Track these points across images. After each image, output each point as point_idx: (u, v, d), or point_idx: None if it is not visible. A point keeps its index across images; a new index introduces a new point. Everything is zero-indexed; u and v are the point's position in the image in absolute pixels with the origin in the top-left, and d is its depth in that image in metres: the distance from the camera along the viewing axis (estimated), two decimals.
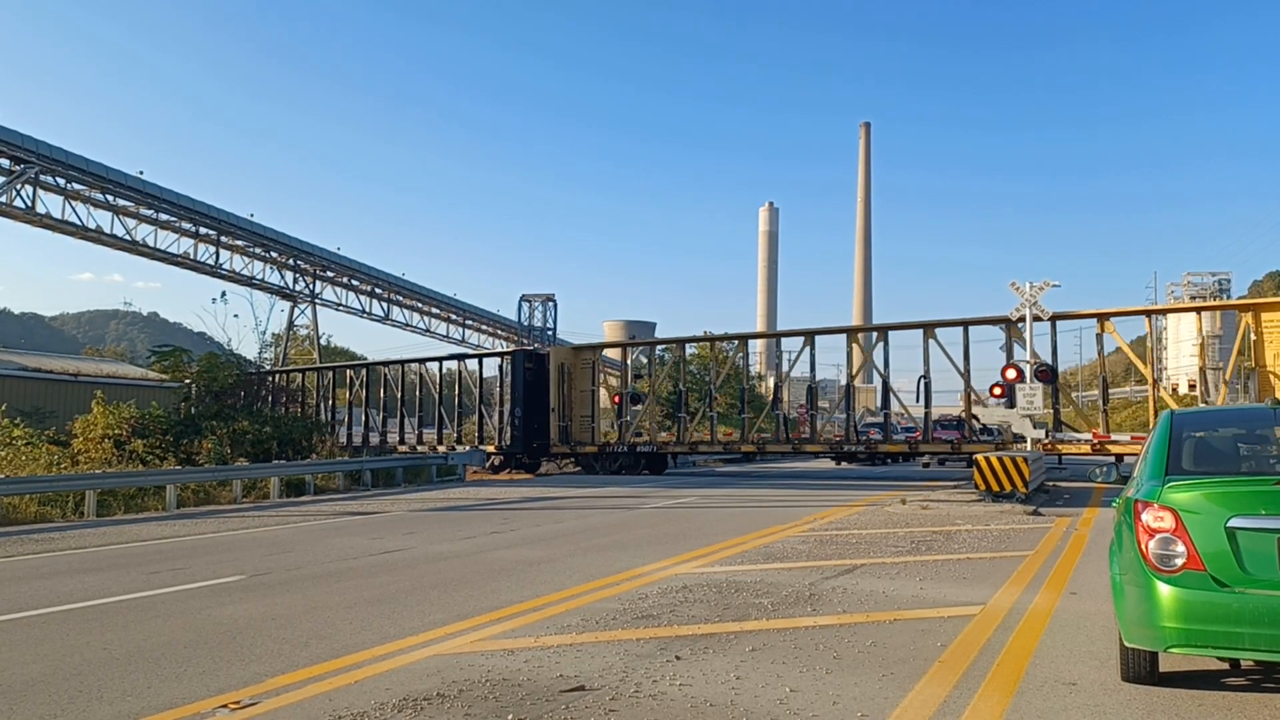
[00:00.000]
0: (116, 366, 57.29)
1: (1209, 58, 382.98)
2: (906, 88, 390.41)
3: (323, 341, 67.11)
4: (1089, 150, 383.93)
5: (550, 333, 63.50)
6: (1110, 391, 31.22)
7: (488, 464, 36.49)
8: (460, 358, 42.24)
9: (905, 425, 36.71)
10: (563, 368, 36.69)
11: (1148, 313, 31.37)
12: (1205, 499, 5.24)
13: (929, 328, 29.44)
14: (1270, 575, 4.98)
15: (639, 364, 42.14)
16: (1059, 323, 27.88)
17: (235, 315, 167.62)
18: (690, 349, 46.02)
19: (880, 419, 37.62)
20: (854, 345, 31.88)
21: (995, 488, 19.37)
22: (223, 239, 53.12)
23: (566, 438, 36.30)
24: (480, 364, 39.73)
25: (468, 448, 36.33)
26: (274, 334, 63.17)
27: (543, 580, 10.18)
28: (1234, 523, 5.10)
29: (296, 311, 61.88)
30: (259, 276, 57.19)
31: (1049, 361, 27.31)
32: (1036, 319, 24.35)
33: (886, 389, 30.56)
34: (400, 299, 69.68)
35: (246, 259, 56.33)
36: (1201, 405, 26.84)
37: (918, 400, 30.38)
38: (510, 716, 5.32)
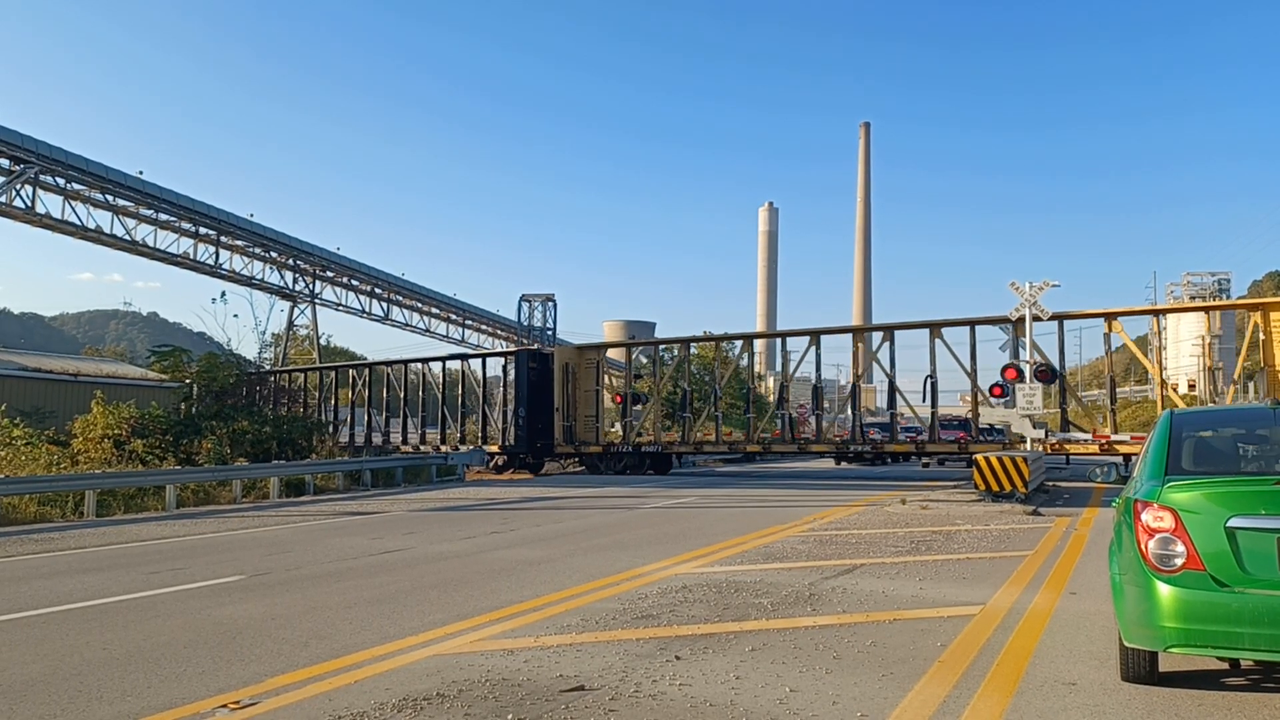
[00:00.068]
0: (116, 366, 57.26)
1: (1209, 58, 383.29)
2: (906, 88, 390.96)
3: (322, 341, 67.14)
4: (1089, 150, 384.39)
5: (550, 333, 63.48)
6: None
7: (491, 464, 36.42)
8: (463, 357, 42.19)
9: (906, 426, 36.65)
10: (567, 367, 36.64)
11: (1155, 312, 31.39)
12: (1205, 499, 5.24)
13: (935, 327, 29.31)
14: (1270, 575, 4.98)
15: (639, 364, 42.13)
16: (1045, 323, 27.83)
17: (235, 315, 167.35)
18: (691, 349, 46.03)
19: (882, 419, 37.58)
20: (859, 345, 31.77)
21: (995, 488, 19.38)
22: (222, 239, 53.13)
23: (571, 437, 36.25)
24: (484, 364, 39.71)
25: (471, 448, 36.29)
26: (274, 334, 63.23)
27: (543, 580, 10.18)
28: (1234, 522, 5.10)
29: (296, 311, 61.94)
30: (259, 276, 57.23)
31: (1055, 361, 27.32)
32: (1036, 319, 24.35)
33: (893, 389, 30.37)
34: (400, 299, 69.71)
35: (246, 259, 56.36)
36: (1210, 405, 26.80)
37: (924, 400, 30.25)
38: (510, 716, 5.32)
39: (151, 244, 49.90)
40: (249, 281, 56.51)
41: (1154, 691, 5.66)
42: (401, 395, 40.40)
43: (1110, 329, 27.52)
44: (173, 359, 37.84)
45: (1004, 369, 24.92)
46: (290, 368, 51.84)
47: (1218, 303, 35.63)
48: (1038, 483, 21.61)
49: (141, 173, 46.86)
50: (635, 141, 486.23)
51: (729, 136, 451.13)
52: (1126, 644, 5.56)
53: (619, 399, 37.45)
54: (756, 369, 43.34)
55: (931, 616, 8.00)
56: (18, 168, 40.84)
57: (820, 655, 6.68)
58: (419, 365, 41.54)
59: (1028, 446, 23.39)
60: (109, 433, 26.80)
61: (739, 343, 42.68)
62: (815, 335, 32.34)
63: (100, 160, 44.93)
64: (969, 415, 32.02)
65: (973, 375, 28.72)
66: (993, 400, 27.59)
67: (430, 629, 7.71)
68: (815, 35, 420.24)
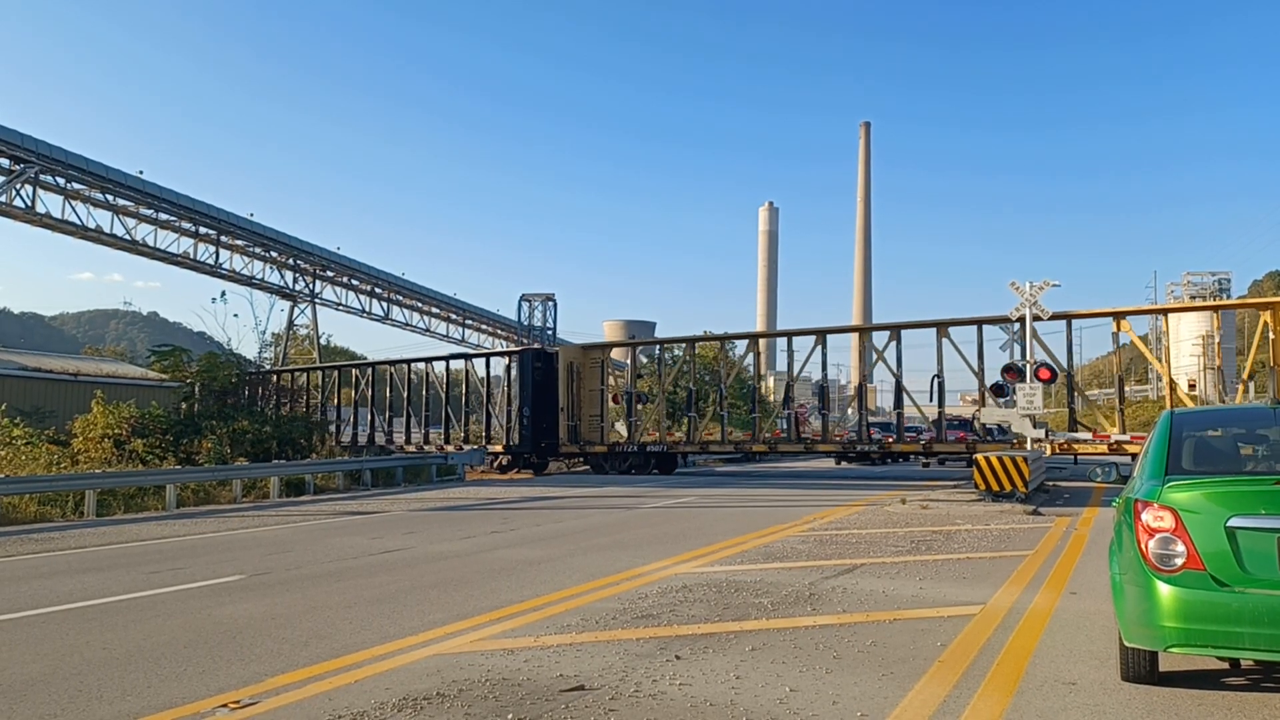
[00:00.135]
0: (116, 366, 57.28)
1: (1209, 58, 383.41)
2: (906, 88, 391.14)
3: (322, 341, 67.13)
4: (1089, 150, 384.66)
5: (550, 332, 63.47)
6: (1109, 391, 31.19)
7: (495, 464, 36.35)
8: (467, 356, 42.17)
9: (908, 426, 36.61)
10: (572, 367, 36.57)
11: (1165, 311, 31.37)
12: (1205, 498, 5.23)
13: (942, 326, 29.19)
14: (1270, 575, 4.98)
15: (639, 364, 42.08)
16: (1052, 322, 27.80)
17: (235, 315, 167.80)
18: (694, 349, 45.95)
19: (882, 419, 37.53)
20: (865, 344, 31.58)
21: (995, 487, 19.37)
22: (222, 238, 53.13)
23: (576, 437, 36.18)
24: (488, 363, 39.65)
25: (474, 447, 36.27)
26: (274, 333, 63.22)
27: (542, 580, 10.18)
28: (1234, 522, 5.10)
29: (296, 311, 61.93)
30: (259, 276, 57.24)
31: (1063, 361, 27.33)
32: (1037, 318, 24.33)
33: (899, 388, 30.18)
34: (400, 299, 69.72)
35: (246, 259, 56.36)
36: (1219, 404, 26.72)
37: (931, 399, 30.15)
38: (510, 716, 5.31)
39: (151, 244, 49.90)
40: (249, 281, 56.51)
41: (1154, 691, 5.66)
42: (405, 395, 40.34)
43: (1119, 328, 27.51)
44: (173, 359, 37.85)
45: (1004, 369, 24.91)
46: (291, 367, 51.82)
47: (1227, 302, 35.28)
48: (1038, 482, 21.61)
49: (141, 172, 46.90)
50: (635, 141, 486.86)
51: (729, 136, 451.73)
52: (1126, 644, 5.56)
53: (616, 399, 37.38)
54: (758, 369, 43.27)
55: (931, 616, 8.00)
56: (18, 167, 40.84)
57: (820, 655, 6.68)
58: (421, 365, 41.44)
59: (1028, 446, 23.38)
60: (109, 432, 26.82)
61: (741, 342, 42.68)
62: (821, 335, 32.12)
63: (100, 160, 45.00)
64: (973, 415, 31.98)
65: (980, 375, 28.63)
66: (998, 400, 27.54)
67: (430, 629, 7.71)
68: (815, 35, 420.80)
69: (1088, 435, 26.83)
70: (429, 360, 41.95)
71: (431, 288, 71.93)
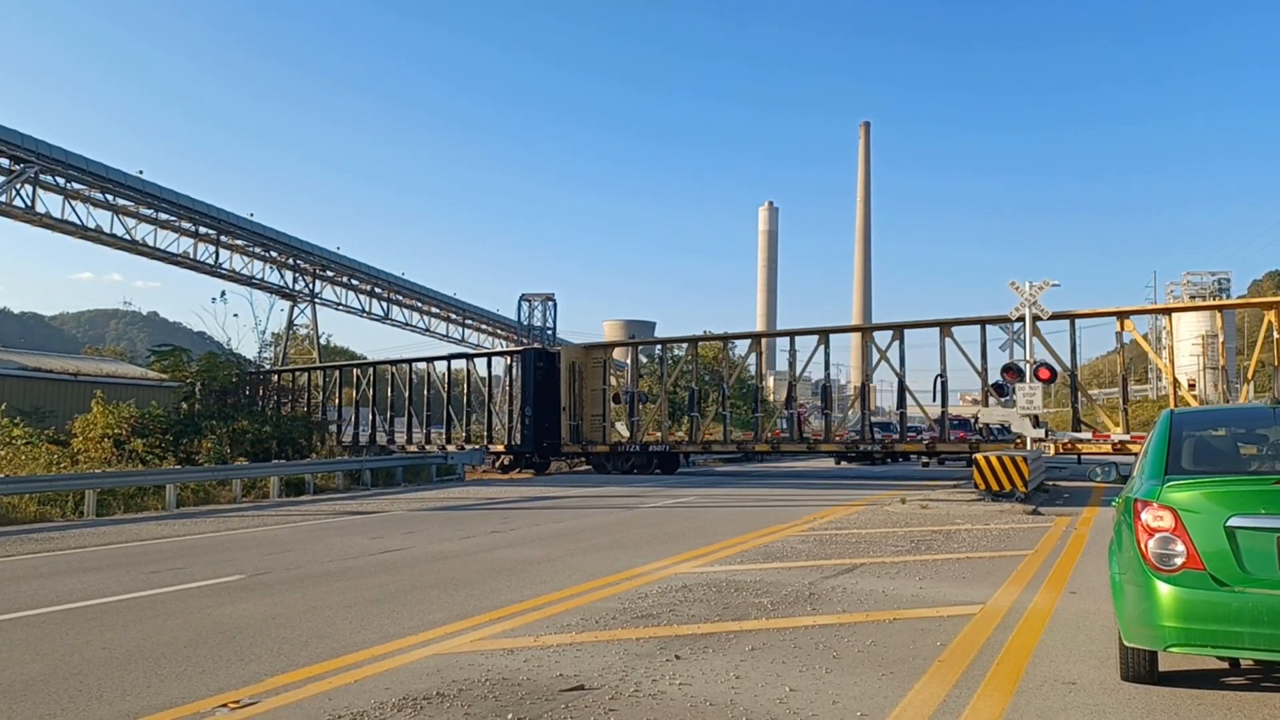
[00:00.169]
0: (116, 366, 57.29)
1: (1209, 58, 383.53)
2: (906, 88, 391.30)
3: (322, 341, 67.14)
4: (1089, 150, 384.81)
5: (550, 332, 63.46)
6: (1108, 391, 31.16)
7: (497, 464, 36.30)
8: (469, 356, 42.11)
9: (909, 425, 36.52)
10: (574, 366, 36.53)
11: (1168, 311, 31.27)
12: (1205, 498, 5.23)
13: (945, 326, 29.09)
14: (1270, 574, 4.98)
15: (639, 364, 42.05)
16: (1055, 322, 27.79)
17: (235, 315, 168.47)
18: (683, 349, 45.92)
19: (882, 419, 37.49)
20: (868, 344, 31.42)
21: (995, 487, 19.36)
22: (222, 238, 53.12)
23: (578, 437, 36.12)
24: (489, 363, 39.60)
25: (475, 447, 36.25)
26: (274, 333, 63.28)
27: (542, 580, 10.18)
28: (1233, 522, 5.10)
29: (296, 311, 61.93)
30: (259, 276, 57.24)
31: (1067, 361, 27.35)
32: (1037, 318, 24.32)
33: (902, 388, 30.03)
34: (400, 298, 69.71)
35: (246, 258, 56.35)
36: (1224, 404, 26.62)
37: (934, 399, 30.11)
38: (510, 716, 5.32)
39: (151, 243, 49.89)
40: (249, 281, 56.52)
41: (1154, 691, 5.66)
42: (406, 395, 40.29)
43: (1123, 327, 27.49)
44: (173, 358, 37.88)
45: (1004, 369, 24.90)
46: (291, 367, 51.82)
47: (1231, 301, 35.10)
48: (1037, 482, 21.61)
49: (141, 172, 46.87)
50: (635, 141, 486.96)
51: (729, 136, 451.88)
52: (1126, 643, 5.56)
53: (618, 399, 37.35)
54: (758, 368, 43.23)
55: (931, 616, 8.00)
56: (18, 167, 40.83)
57: (820, 655, 6.68)
58: (423, 364, 41.38)
59: (1028, 446, 23.37)
60: (109, 432, 26.82)
61: (740, 342, 42.61)
62: (824, 334, 31.98)
63: (100, 160, 44.98)
64: (974, 415, 31.90)
65: (983, 374, 28.57)
66: (1000, 400, 27.53)
67: (430, 628, 7.71)
68: (815, 35, 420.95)
69: (1088, 435, 26.81)
70: (430, 360, 41.91)
71: (431, 288, 71.98)
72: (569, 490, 25.44)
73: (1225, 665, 6.01)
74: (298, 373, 47.85)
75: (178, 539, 15.02)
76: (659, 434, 36.28)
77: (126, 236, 48.27)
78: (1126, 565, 5.54)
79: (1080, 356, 28.86)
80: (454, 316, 75.68)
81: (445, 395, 39.00)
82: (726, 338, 40.45)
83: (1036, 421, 23.63)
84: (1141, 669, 5.71)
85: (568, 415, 35.84)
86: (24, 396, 35.29)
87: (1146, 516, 5.34)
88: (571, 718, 5.28)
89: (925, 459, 37.15)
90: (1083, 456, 28.36)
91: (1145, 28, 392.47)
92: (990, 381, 27.80)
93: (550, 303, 64.17)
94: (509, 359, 38.71)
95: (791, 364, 33.26)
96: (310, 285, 61.27)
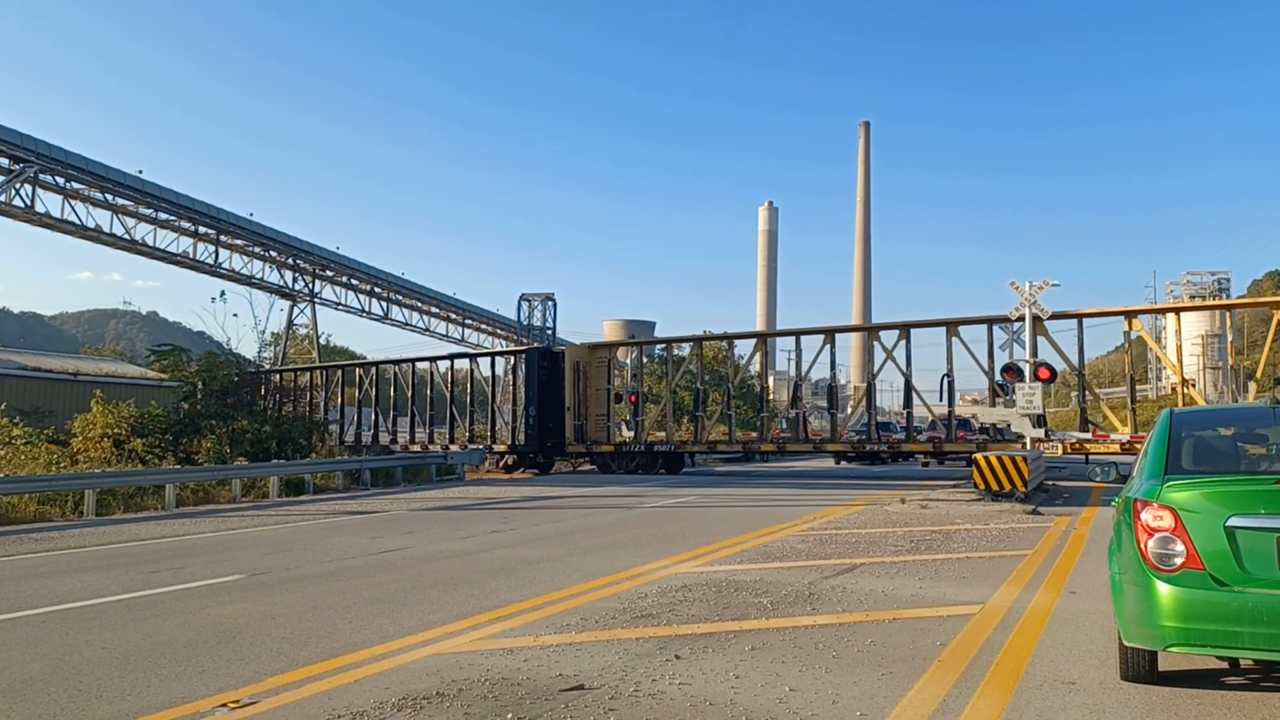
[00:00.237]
0: (116, 366, 57.30)
1: (1209, 58, 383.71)
2: (906, 88, 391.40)
3: (322, 341, 67.14)
4: (1089, 150, 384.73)
5: (550, 332, 63.52)
6: (1108, 391, 31.12)
7: (501, 464, 36.24)
8: (472, 356, 42.02)
9: (905, 425, 36.43)
10: (578, 366, 36.45)
11: (1177, 310, 31.29)
12: (1204, 498, 5.23)
13: (952, 325, 28.97)
14: (1269, 574, 4.98)
15: (636, 363, 42.03)
16: (1055, 322, 27.77)
17: (234, 314, 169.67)
18: (686, 348, 45.88)
19: (881, 418, 37.45)
20: (873, 343, 31.20)
21: (994, 487, 19.36)
22: (222, 238, 53.12)
23: (582, 436, 36.04)
24: (493, 363, 39.54)
25: (477, 447, 36.21)
26: (273, 333, 63.32)
27: (542, 579, 10.18)
28: (1233, 522, 5.10)
29: (296, 311, 61.94)
30: (258, 276, 57.26)
31: (1074, 360, 27.36)
32: (1037, 318, 24.32)
33: (909, 388, 29.91)
34: (400, 298, 69.73)
35: (246, 258, 56.36)
36: (1230, 403, 26.59)
37: (941, 399, 30.04)
38: (510, 716, 5.31)
39: (151, 243, 49.90)
40: (249, 281, 56.54)
41: (1153, 691, 5.66)
42: (410, 395, 40.24)
43: (1130, 327, 27.49)
44: (172, 358, 37.90)
45: (1004, 368, 24.89)
46: (293, 366, 51.82)
47: (1237, 300, 34.88)
48: (1037, 482, 21.61)
49: (141, 172, 46.85)
50: (635, 141, 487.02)
51: (729, 136, 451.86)
52: (1126, 643, 5.56)
53: (634, 399, 37.25)
54: (756, 368, 43.22)
55: (931, 616, 8.00)
56: (17, 167, 40.82)
57: (820, 654, 6.68)
58: (425, 364, 41.30)
59: (1028, 445, 23.37)
60: (108, 432, 26.81)
61: (740, 342, 42.57)
62: (829, 334, 31.79)
63: (100, 159, 44.94)
64: (973, 415, 31.87)
65: (990, 374, 28.50)
66: (1005, 400, 27.51)
67: (430, 628, 7.71)
68: (815, 35, 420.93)
69: (1087, 435, 26.80)
70: (433, 359, 41.87)
71: (431, 287, 72.01)
72: (569, 490, 25.44)
73: (1225, 665, 6.01)
74: (299, 373, 47.79)
75: (177, 539, 15.02)
76: (664, 434, 36.20)
77: (126, 236, 48.27)
78: (1126, 565, 5.54)
79: (1073, 357, 28.75)
80: (454, 316, 75.71)
81: (449, 395, 38.96)
82: (731, 337, 40.40)
83: (1039, 421, 23.61)
84: (1141, 669, 5.71)
85: (572, 415, 35.76)
86: (24, 396, 35.29)
87: (1146, 516, 5.34)
88: (571, 717, 5.28)
89: (924, 459, 37.13)
90: (1090, 456, 28.30)
91: (1145, 28, 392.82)
92: (996, 380, 27.78)
93: (550, 303, 64.22)
94: (513, 358, 38.66)
95: (797, 364, 33.12)
96: (310, 285, 61.28)
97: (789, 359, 33.25)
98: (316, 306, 62.38)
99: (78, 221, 45.49)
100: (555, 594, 9.26)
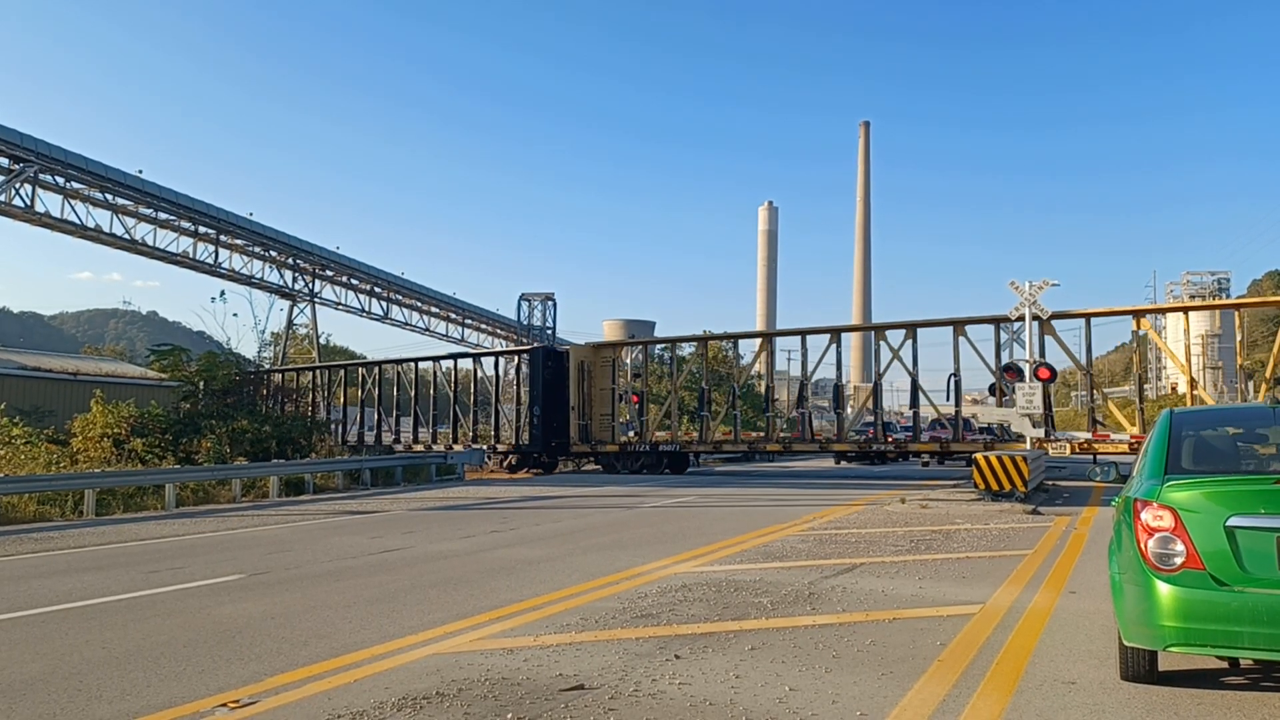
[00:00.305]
0: (115, 365, 57.32)
1: (1209, 58, 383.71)
2: (906, 88, 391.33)
3: (322, 340, 67.13)
4: (1089, 150, 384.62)
5: (550, 332, 63.52)
6: (1109, 391, 31.11)
7: (505, 464, 36.19)
8: (475, 356, 41.89)
9: (904, 425, 36.40)
10: (582, 366, 36.39)
11: (1185, 309, 31.27)
12: (1204, 498, 5.23)
13: (959, 325, 28.87)
14: (1269, 574, 4.98)
15: (638, 363, 42.03)
16: (1057, 322, 27.76)
17: (234, 314, 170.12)
18: (687, 348, 45.84)
19: (884, 419, 37.42)
20: (881, 341, 31.02)
21: (994, 487, 19.36)
22: (222, 238, 53.08)
23: (587, 436, 35.99)
24: (497, 362, 39.52)
25: (479, 446, 36.16)
26: (273, 333, 63.29)
27: (542, 579, 10.18)
28: (1233, 521, 5.10)
29: (295, 310, 61.90)
30: (258, 275, 57.20)
31: (1083, 359, 27.39)
32: (1036, 318, 24.33)
33: (915, 387, 29.80)
34: (399, 298, 69.68)
35: (246, 258, 56.31)
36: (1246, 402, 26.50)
37: (948, 399, 29.94)
38: (510, 715, 5.31)
39: (151, 243, 49.84)
40: (248, 280, 56.50)
41: (1153, 690, 5.66)
42: (413, 395, 40.19)
43: (1139, 326, 27.48)
44: (172, 358, 37.87)
45: (1004, 368, 24.89)
46: (293, 366, 51.79)
47: (1246, 300, 34.66)
48: (1037, 482, 21.61)
49: (141, 172, 46.78)
50: (635, 141, 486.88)
51: (729, 136, 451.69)
52: (1126, 643, 5.56)
53: (635, 399, 37.20)
54: (758, 368, 43.18)
55: (931, 615, 8.00)
56: (17, 166, 40.79)
57: (820, 654, 6.68)
58: (428, 364, 41.25)
59: (1027, 445, 23.38)
60: (108, 432, 26.80)
61: (741, 342, 42.52)
62: (836, 333, 31.62)
63: (100, 159, 44.86)
64: (973, 415, 31.87)
65: (997, 373, 28.49)
66: (1008, 399, 27.52)
67: (430, 628, 7.71)
68: (815, 35, 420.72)
69: (1087, 435, 26.79)
70: (436, 359, 41.81)
71: (431, 287, 71.95)
72: (569, 490, 25.44)
73: (1225, 665, 6.01)
74: (301, 372, 47.74)
75: (177, 538, 15.02)
76: (670, 434, 36.14)
77: (126, 236, 48.23)
78: (1126, 565, 5.54)
79: (1080, 356, 28.77)
80: (454, 316, 75.68)
81: (452, 395, 38.90)
82: (737, 336, 40.32)
83: (1044, 420, 23.59)
84: (1141, 669, 5.71)
85: (577, 415, 35.69)
86: (23, 396, 35.29)
87: (1146, 516, 5.34)
88: (571, 717, 5.28)
89: (925, 458, 37.13)
90: (1098, 456, 28.23)
91: (1145, 28, 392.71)
92: (990, 382, 27.79)
93: (550, 302, 64.24)
94: (516, 358, 38.61)
95: (803, 364, 32.98)
96: (310, 285, 61.25)
97: (789, 359, 33.26)
98: (316, 306, 62.35)
99: (78, 221, 45.45)
100: (555, 594, 9.26)
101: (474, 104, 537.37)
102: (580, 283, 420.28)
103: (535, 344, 51.06)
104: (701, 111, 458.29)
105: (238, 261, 55.61)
